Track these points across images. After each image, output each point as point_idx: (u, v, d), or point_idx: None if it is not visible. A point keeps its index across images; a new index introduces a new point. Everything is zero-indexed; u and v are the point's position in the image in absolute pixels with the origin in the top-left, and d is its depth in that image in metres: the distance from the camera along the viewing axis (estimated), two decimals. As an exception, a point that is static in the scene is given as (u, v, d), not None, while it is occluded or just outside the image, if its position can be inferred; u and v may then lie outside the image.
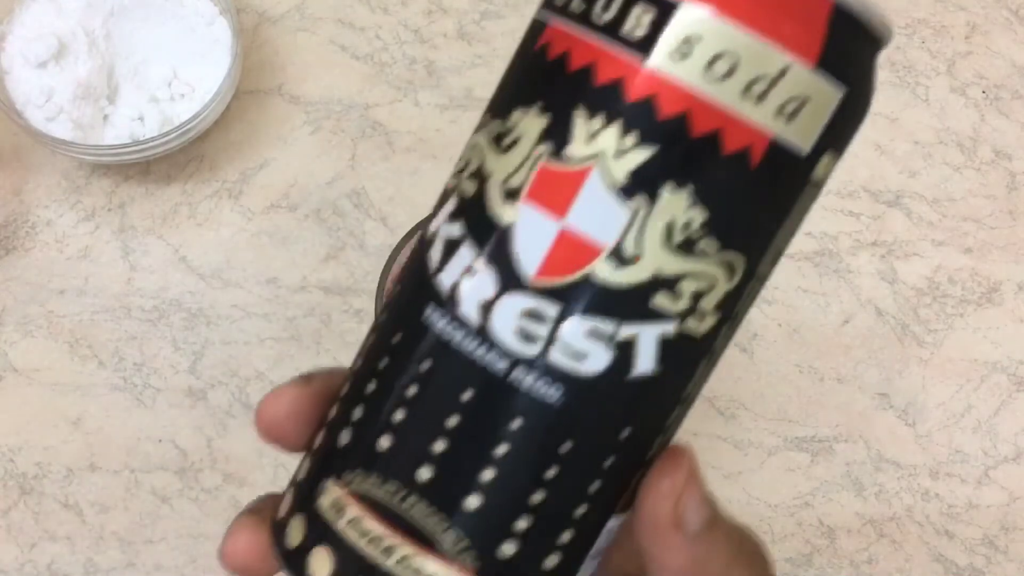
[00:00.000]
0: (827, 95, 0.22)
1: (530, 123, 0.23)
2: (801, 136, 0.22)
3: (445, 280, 0.23)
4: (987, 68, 0.70)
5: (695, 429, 0.60)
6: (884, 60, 0.70)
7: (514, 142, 0.23)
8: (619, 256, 0.22)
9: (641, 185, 0.22)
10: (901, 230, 0.66)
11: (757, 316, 0.63)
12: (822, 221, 0.65)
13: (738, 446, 0.60)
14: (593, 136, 0.22)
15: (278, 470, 0.58)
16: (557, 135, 0.22)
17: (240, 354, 0.60)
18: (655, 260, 0.22)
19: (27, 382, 0.60)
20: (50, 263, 0.62)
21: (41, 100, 0.61)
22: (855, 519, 0.59)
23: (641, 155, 0.21)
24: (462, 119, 0.67)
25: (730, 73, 0.21)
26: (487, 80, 0.68)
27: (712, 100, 0.21)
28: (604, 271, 0.22)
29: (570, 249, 0.22)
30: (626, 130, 0.21)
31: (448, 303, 0.23)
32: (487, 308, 0.23)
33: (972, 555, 0.59)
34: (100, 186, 0.64)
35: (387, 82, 0.67)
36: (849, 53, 0.22)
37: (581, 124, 0.22)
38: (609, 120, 0.22)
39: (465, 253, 0.23)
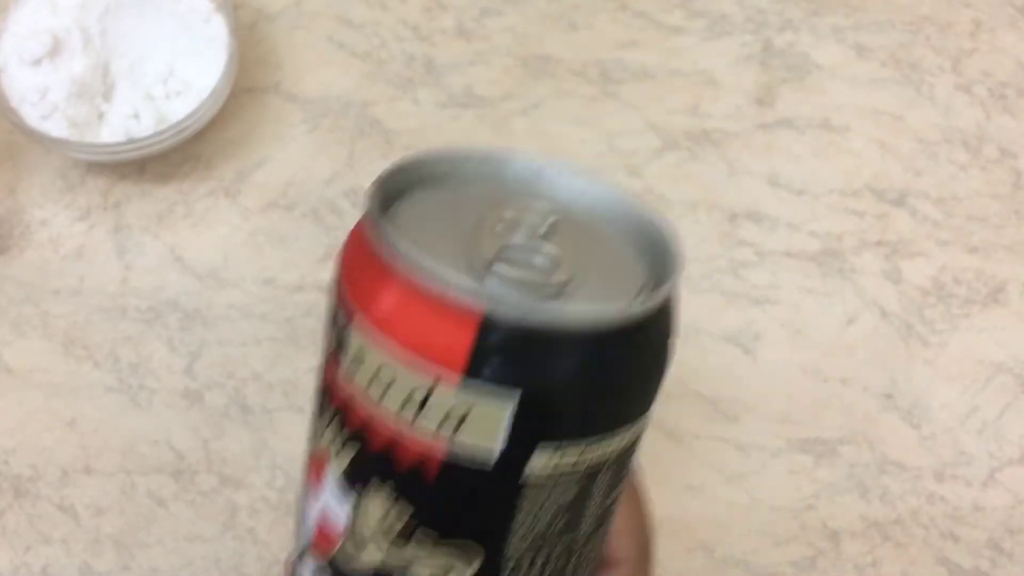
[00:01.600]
0: (490, 404, 0.20)
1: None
2: (478, 445, 0.21)
3: None
4: (993, 66, 0.70)
5: (697, 431, 0.60)
6: (889, 57, 0.69)
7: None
8: (354, 540, 0.23)
9: (355, 480, 0.23)
10: (906, 229, 0.65)
11: (760, 317, 0.62)
12: (826, 220, 0.65)
13: (741, 448, 0.59)
14: (324, 430, 0.23)
15: (275, 472, 0.58)
16: (316, 423, 0.24)
17: (237, 355, 0.60)
18: (380, 546, 0.23)
19: (21, 383, 0.59)
20: (44, 263, 0.61)
21: (35, 98, 0.60)
22: (859, 522, 0.58)
23: (348, 455, 0.23)
24: (462, 117, 0.66)
25: (388, 390, 0.21)
26: (487, 77, 0.67)
27: (381, 416, 0.21)
28: (347, 551, 0.23)
29: (326, 526, 0.23)
30: (337, 431, 0.23)
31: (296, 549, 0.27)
32: (300, 561, 0.25)
33: (978, 558, 0.58)
34: (95, 185, 0.63)
35: (386, 80, 0.67)
36: (517, 357, 0.20)
37: (321, 418, 0.24)
38: (330, 419, 0.23)
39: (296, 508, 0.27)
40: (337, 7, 0.69)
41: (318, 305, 0.61)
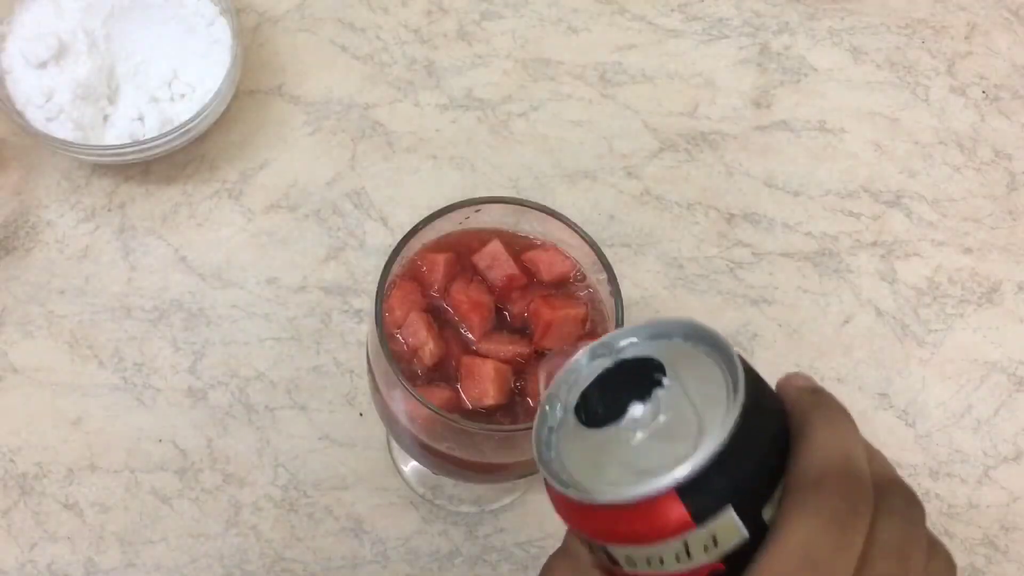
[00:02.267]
0: (721, 520, 0.28)
1: None
2: (731, 540, 0.29)
3: None
4: (987, 68, 0.70)
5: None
6: (884, 60, 0.70)
7: None
8: None
9: None
10: (901, 230, 0.66)
11: (757, 316, 0.63)
12: (822, 221, 0.65)
13: (738, 446, 0.60)
14: None
15: (278, 470, 0.58)
16: None
17: (240, 354, 0.60)
18: None
19: (27, 382, 0.60)
20: (50, 263, 0.62)
21: (41, 100, 0.61)
22: (855, 519, 0.59)
23: None
24: (462, 119, 0.67)
25: (650, 562, 0.29)
26: (487, 80, 0.68)
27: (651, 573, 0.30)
28: None
29: None
30: None
31: None
32: None
33: (972, 555, 0.59)
34: (100, 186, 0.64)
35: (387, 82, 0.67)
36: (709, 490, 0.28)
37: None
38: None
39: None
40: (339, 11, 0.69)
41: (320, 305, 0.62)
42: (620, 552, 0.30)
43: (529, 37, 0.69)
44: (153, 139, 0.60)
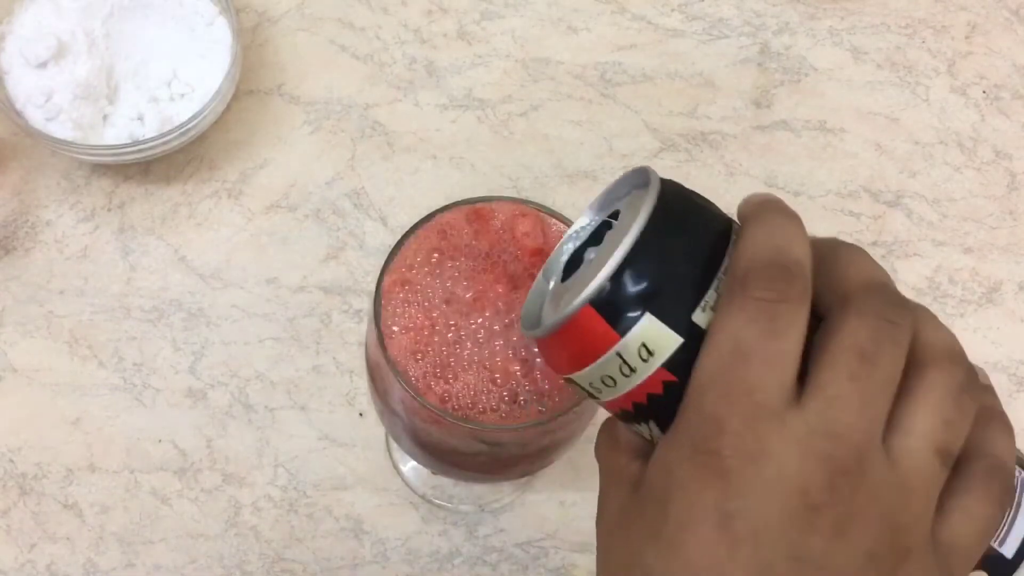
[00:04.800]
0: (645, 328, 0.29)
1: None
2: (668, 344, 0.30)
3: None
4: (987, 68, 0.70)
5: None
6: (885, 60, 0.70)
7: None
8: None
9: (661, 426, 0.32)
10: (901, 230, 0.66)
11: (757, 316, 0.63)
12: (822, 221, 0.65)
13: (738, 446, 0.60)
14: (637, 428, 0.32)
15: (277, 470, 0.58)
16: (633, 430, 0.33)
17: (240, 354, 0.60)
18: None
19: (27, 382, 0.60)
20: (50, 263, 0.62)
21: (41, 100, 0.61)
22: (855, 519, 0.59)
23: (645, 420, 0.32)
24: (462, 119, 0.67)
25: (614, 379, 0.30)
26: (487, 80, 0.68)
27: (628, 391, 0.30)
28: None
29: None
30: (633, 420, 0.32)
31: None
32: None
33: (973, 555, 0.59)
34: (100, 186, 0.64)
35: (387, 82, 0.67)
36: (626, 297, 0.29)
37: (629, 425, 0.33)
38: (627, 420, 0.32)
39: None
40: (339, 10, 0.69)
41: (320, 305, 0.62)
42: (583, 381, 0.31)
43: (529, 37, 0.69)
44: (153, 139, 0.60)
